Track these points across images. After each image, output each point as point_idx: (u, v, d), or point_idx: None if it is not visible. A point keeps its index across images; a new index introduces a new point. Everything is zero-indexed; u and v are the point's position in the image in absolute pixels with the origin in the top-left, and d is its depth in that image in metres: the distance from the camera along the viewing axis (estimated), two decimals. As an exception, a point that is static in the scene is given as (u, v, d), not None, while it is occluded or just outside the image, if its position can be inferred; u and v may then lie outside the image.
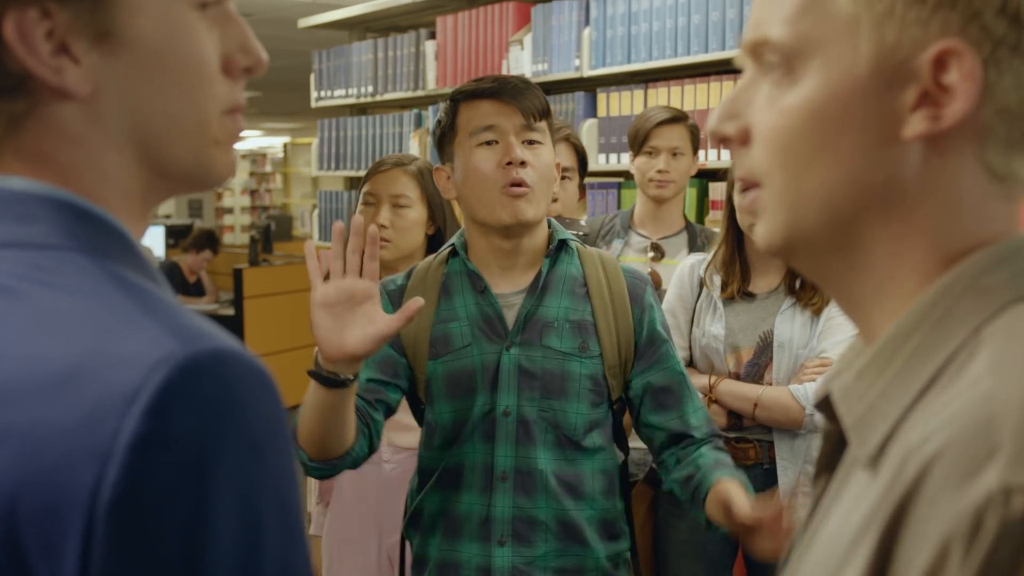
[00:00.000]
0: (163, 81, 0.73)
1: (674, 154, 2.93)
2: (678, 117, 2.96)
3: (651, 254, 2.98)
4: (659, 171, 2.92)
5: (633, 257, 2.96)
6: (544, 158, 1.79)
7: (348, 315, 1.55)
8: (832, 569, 0.66)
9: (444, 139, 1.86)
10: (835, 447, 0.76)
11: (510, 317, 1.82)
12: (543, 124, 1.81)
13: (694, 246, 2.96)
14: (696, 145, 2.99)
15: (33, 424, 0.61)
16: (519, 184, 1.75)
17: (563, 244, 1.86)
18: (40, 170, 0.71)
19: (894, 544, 0.60)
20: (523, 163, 1.75)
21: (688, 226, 3.03)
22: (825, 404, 0.74)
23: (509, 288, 1.84)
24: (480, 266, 1.83)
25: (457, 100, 1.83)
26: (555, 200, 2.54)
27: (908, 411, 0.65)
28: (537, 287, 1.82)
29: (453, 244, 1.87)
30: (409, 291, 1.85)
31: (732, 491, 1.66)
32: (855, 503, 0.67)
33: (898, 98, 0.67)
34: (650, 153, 2.94)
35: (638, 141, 2.96)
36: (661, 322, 1.89)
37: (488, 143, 1.78)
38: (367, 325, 1.55)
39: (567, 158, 2.57)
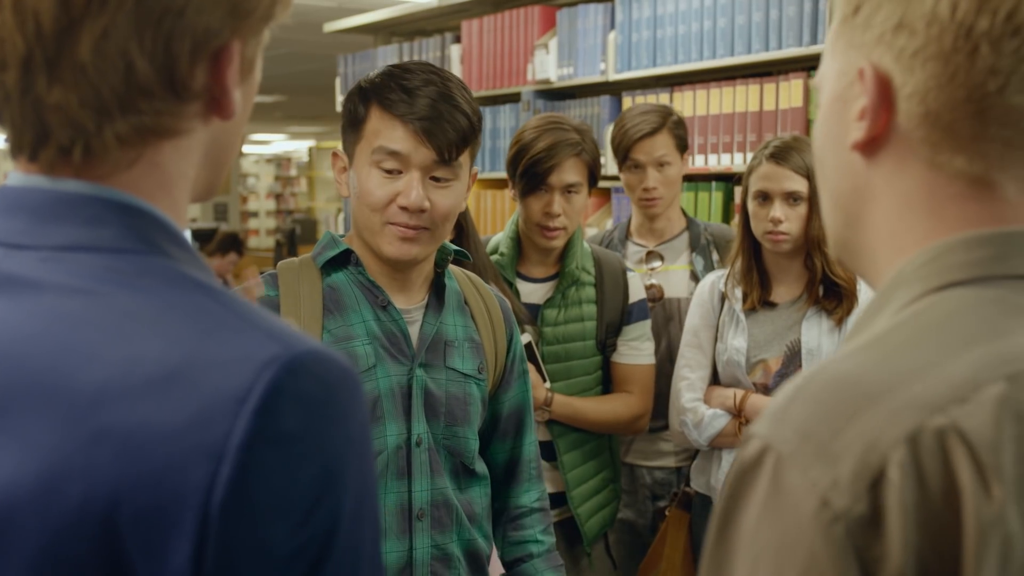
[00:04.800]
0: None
1: (660, 164, 2.76)
2: (658, 126, 2.75)
3: (650, 264, 2.83)
4: (645, 189, 2.76)
5: (632, 269, 2.79)
6: (449, 199, 1.61)
7: None
8: None
9: (347, 129, 1.66)
10: None
11: (413, 335, 1.66)
12: (462, 158, 1.62)
13: (697, 246, 2.82)
14: (684, 145, 2.79)
15: (135, 426, 0.62)
16: (411, 228, 1.60)
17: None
18: (142, 177, 0.72)
19: None
20: (421, 210, 1.58)
21: (690, 225, 2.87)
22: None
23: (407, 303, 1.68)
24: (374, 277, 1.66)
25: (371, 98, 1.62)
26: (560, 229, 2.47)
27: None
28: (438, 302, 1.70)
29: (332, 253, 1.67)
30: (284, 302, 1.63)
31: None
32: None
33: (850, 114, 0.76)
34: (634, 167, 2.78)
35: (620, 153, 2.80)
36: (522, 351, 1.85)
37: (389, 171, 1.59)
38: None
39: (576, 174, 2.46)
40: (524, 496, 1.86)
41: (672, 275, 2.82)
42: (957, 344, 0.66)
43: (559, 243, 2.49)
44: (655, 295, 2.77)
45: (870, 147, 0.75)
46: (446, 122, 1.58)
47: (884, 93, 0.73)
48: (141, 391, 0.63)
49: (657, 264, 2.83)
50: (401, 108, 1.58)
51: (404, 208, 1.59)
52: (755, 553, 0.64)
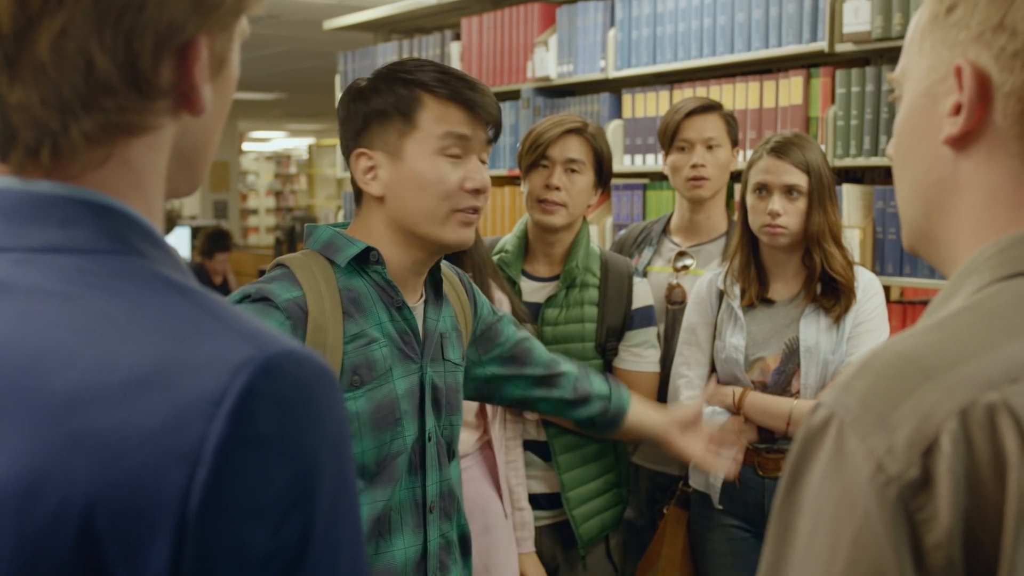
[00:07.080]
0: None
1: (709, 147, 2.69)
2: (710, 106, 2.73)
3: (680, 263, 2.75)
4: (693, 166, 2.68)
5: (660, 267, 2.77)
6: (488, 180, 1.64)
7: None
8: None
9: (384, 123, 1.60)
10: None
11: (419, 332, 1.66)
12: None
13: (727, 255, 2.64)
14: (735, 137, 2.76)
15: (111, 430, 0.62)
16: (476, 211, 1.63)
17: None
18: (115, 176, 0.71)
19: None
20: (486, 190, 1.62)
21: (729, 231, 2.74)
22: None
23: (412, 299, 1.66)
24: (391, 277, 1.62)
25: (419, 88, 1.60)
26: (559, 204, 2.46)
27: None
28: (436, 297, 1.70)
29: (354, 251, 1.60)
30: (311, 301, 1.55)
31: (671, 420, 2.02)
32: None
33: (940, 109, 0.80)
34: (682, 148, 2.70)
35: (668, 136, 2.73)
36: (488, 304, 1.87)
37: (455, 155, 1.60)
38: None
39: (578, 151, 2.45)
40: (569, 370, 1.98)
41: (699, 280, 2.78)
42: (1016, 329, 0.71)
43: (558, 220, 2.46)
44: (678, 297, 2.71)
45: (962, 141, 0.79)
46: (488, 97, 1.62)
47: (982, 90, 0.77)
48: (116, 394, 0.62)
49: (688, 263, 2.76)
50: (446, 89, 1.59)
51: (474, 191, 1.60)
52: (817, 511, 0.70)
